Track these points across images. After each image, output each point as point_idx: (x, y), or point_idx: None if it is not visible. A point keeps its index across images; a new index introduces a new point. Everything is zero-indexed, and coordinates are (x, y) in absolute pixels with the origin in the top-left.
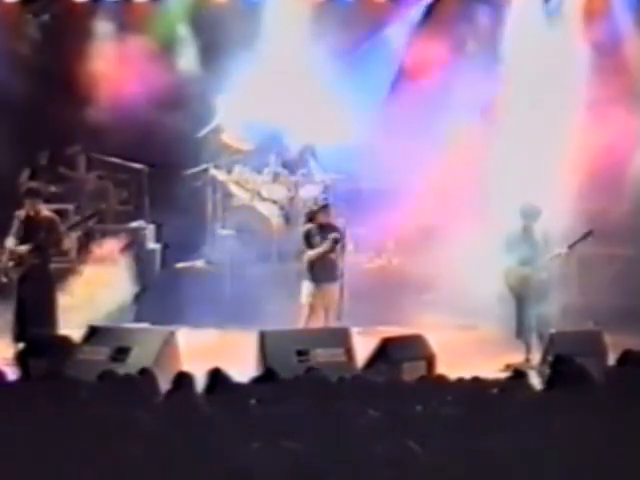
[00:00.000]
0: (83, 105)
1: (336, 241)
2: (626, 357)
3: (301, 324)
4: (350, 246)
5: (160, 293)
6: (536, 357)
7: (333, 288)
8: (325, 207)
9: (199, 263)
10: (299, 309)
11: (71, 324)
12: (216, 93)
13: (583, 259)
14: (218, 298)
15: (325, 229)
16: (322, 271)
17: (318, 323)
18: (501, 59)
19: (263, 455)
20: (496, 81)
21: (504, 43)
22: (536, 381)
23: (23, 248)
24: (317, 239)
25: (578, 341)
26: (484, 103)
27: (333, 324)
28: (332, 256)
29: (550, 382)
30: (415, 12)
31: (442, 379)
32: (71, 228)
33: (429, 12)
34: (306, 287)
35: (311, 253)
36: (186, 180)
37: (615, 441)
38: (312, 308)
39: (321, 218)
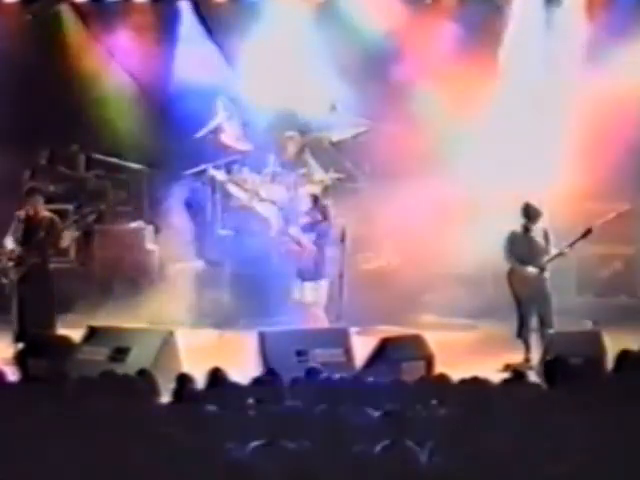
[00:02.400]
0: (82, 105)
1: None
2: (624, 357)
3: (299, 323)
4: (349, 246)
5: (159, 293)
6: (535, 357)
7: (321, 285)
8: (311, 206)
9: (198, 263)
10: (298, 309)
11: None
12: (216, 93)
13: (582, 259)
14: (217, 298)
15: (314, 226)
16: (308, 268)
17: (312, 320)
18: (500, 54)
19: (263, 455)
20: (495, 78)
21: (504, 38)
22: (535, 381)
23: (23, 248)
24: (308, 236)
25: (577, 341)
26: (484, 102)
27: (325, 320)
28: (319, 253)
29: (550, 381)
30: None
31: (442, 379)
32: (69, 226)
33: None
34: (296, 284)
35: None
36: (185, 180)
37: (615, 441)
38: (302, 305)
39: (309, 216)
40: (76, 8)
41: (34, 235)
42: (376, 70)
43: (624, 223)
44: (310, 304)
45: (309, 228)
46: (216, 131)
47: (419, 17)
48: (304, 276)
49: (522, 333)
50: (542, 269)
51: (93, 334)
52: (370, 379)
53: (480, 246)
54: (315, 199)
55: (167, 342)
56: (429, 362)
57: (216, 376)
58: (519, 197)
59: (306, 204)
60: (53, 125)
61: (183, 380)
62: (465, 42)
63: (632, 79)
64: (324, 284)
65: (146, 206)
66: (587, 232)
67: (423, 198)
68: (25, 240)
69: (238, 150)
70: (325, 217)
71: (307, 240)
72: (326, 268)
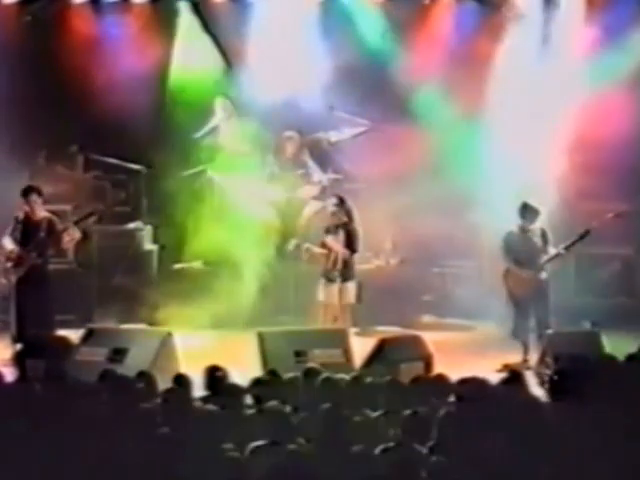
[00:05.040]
0: (81, 105)
1: None
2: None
3: (319, 322)
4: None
5: (157, 294)
6: (534, 357)
7: (349, 286)
8: (336, 208)
9: (196, 264)
10: (297, 309)
11: None
12: (214, 93)
13: (580, 259)
14: (215, 299)
15: (337, 227)
16: (336, 270)
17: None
18: (499, 54)
19: (263, 455)
20: (494, 78)
21: (503, 38)
22: (534, 381)
23: (22, 249)
24: (329, 237)
25: (575, 342)
26: (482, 102)
27: (347, 323)
28: (345, 256)
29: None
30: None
31: (441, 379)
32: (68, 227)
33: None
34: (321, 285)
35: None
36: (184, 181)
37: (614, 440)
38: (327, 306)
39: (335, 218)
40: (75, 8)
41: (33, 236)
42: (375, 70)
43: (623, 223)
44: (336, 305)
45: (334, 230)
46: (214, 131)
47: (418, 17)
48: (331, 278)
49: (517, 333)
50: (539, 270)
51: (91, 335)
52: (369, 379)
53: (479, 246)
54: (341, 200)
55: (165, 343)
56: (428, 362)
57: (214, 376)
58: (518, 197)
59: (331, 205)
60: (52, 125)
61: (181, 381)
62: (464, 42)
63: (630, 79)
64: (351, 285)
65: (145, 206)
66: (585, 233)
67: (422, 198)
68: (24, 241)
69: (236, 150)
70: (350, 219)
71: (333, 242)
72: (354, 269)
